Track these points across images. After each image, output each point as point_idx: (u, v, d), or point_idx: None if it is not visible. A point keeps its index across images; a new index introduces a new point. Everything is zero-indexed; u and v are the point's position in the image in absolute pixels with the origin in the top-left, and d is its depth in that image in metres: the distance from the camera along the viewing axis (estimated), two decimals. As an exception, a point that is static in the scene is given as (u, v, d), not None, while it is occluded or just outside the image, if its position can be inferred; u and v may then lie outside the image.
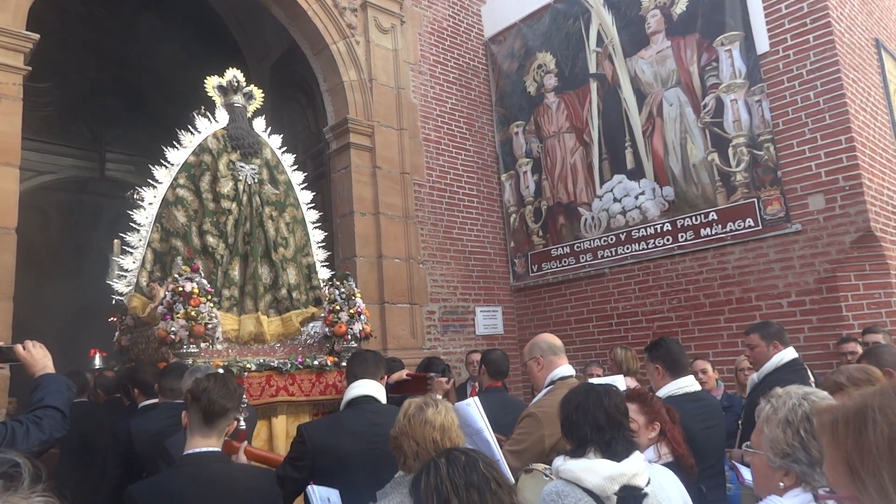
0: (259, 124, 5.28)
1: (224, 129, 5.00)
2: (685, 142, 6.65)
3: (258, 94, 5.36)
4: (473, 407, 2.50)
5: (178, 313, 4.00)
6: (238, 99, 5.18)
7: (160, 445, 2.80)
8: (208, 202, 4.78)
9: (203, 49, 8.09)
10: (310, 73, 7.21)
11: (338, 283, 5.05)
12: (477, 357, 6.37)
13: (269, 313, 4.85)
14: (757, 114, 6.14)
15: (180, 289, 4.07)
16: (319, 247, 5.52)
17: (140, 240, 4.64)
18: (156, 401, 3.51)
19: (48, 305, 7.57)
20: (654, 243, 6.83)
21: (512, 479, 2.35)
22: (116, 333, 4.64)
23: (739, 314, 6.12)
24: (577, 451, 2.04)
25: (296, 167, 5.55)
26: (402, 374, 4.24)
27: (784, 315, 5.82)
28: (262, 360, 4.50)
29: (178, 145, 4.86)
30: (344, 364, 4.45)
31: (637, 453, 2.07)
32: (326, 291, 5.04)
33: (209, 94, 5.14)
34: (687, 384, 3.09)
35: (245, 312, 4.74)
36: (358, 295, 5.05)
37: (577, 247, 7.57)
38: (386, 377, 3.82)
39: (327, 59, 6.95)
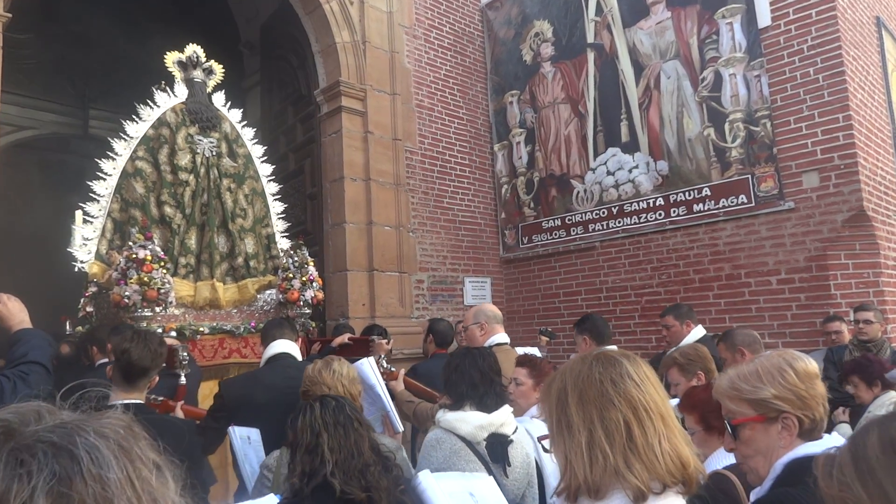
0: (218, 99, 5.56)
1: (183, 103, 5.26)
2: (682, 116, 6.58)
3: (218, 69, 5.58)
4: (367, 366, 2.84)
5: (131, 279, 4.25)
6: (198, 74, 5.42)
7: None
8: (166, 174, 5.05)
9: (191, 5, 7.83)
10: (301, 33, 7.01)
11: (291, 252, 5.32)
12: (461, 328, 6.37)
13: (225, 281, 5.15)
14: (755, 89, 6.07)
15: (134, 255, 4.32)
16: (279, 218, 5.79)
17: (100, 210, 4.86)
18: (103, 360, 3.80)
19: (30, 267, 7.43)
20: (646, 218, 6.79)
21: (400, 427, 2.79)
22: (81, 300, 4.77)
23: (729, 290, 6.13)
24: (455, 406, 2.33)
25: (256, 141, 5.81)
26: (345, 338, 4.37)
27: (773, 292, 5.84)
28: (215, 325, 4.82)
29: (137, 118, 5.11)
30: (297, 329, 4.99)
31: (506, 406, 2.36)
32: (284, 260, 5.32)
33: (170, 67, 5.36)
34: None
35: (201, 279, 5.02)
36: (311, 263, 5.28)
37: (569, 219, 7.52)
38: (319, 342, 4.56)
39: (320, 18, 6.76)
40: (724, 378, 1.60)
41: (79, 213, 4.93)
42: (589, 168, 7.36)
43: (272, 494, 1.93)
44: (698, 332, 4.15)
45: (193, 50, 5.41)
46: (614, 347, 3.27)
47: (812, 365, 1.52)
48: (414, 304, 7.06)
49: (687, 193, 6.49)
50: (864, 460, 0.82)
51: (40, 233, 7.29)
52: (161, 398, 3.09)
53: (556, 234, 7.64)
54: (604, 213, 7.17)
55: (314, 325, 5.49)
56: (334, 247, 6.57)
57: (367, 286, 6.52)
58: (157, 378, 2.61)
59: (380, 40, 7.01)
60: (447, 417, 2.29)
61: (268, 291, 5.34)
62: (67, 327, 5.04)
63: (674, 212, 6.57)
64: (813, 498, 1.07)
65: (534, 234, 7.88)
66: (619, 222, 7.02)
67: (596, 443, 1.13)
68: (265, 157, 5.82)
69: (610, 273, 7.10)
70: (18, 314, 2.41)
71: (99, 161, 5.02)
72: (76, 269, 4.78)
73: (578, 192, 7.44)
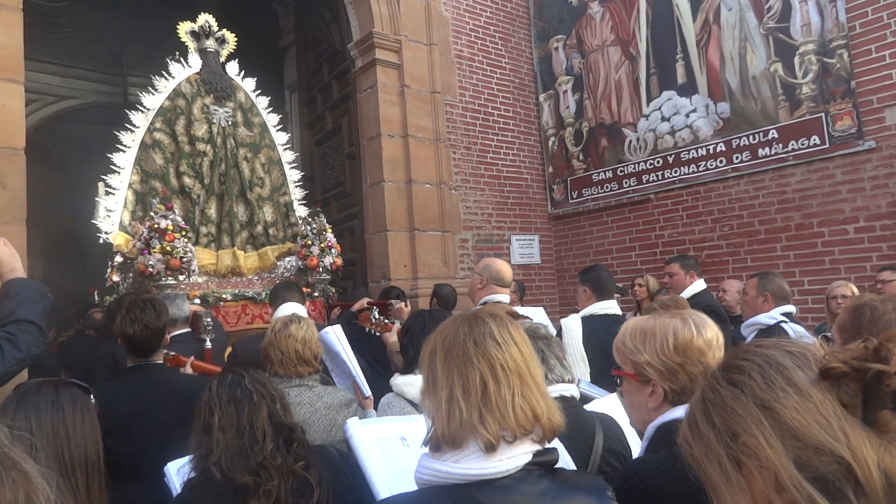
0: (232, 68, 5.61)
1: (197, 73, 5.32)
2: (745, 51, 5.98)
3: (231, 38, 5.59)
4: (332, 334, 2.83)
5: (154, 248, 4.35)
6: (210, 44, 5.46)
7: None
8: (184, 145, 5.12)
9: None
10: (333, -16, 6.70)
11: (310, 220, 5.42)
12: (512, 285, 6.12)
13: (246, 249, 5.25)
14: (830, 16, 5.42)
15: (156, 226, 4.42)
16: (297, 186, 5.86)
17: (121, 181, 4.92)
18: None
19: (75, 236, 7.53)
20: (705, 165, 6.28)
21: (367, 392, 2.76)
22: (108, 270, 4.82)
23: (798, 241, 5.62)
24: (407, 369, 2.37)
25: (270, 109, 5.83)
26: (364, 303, 4.38)
27: (849, 242, 5.31)
28: (238, 292, 4.94)
29: (153, 90, 5.17)
30: (316, 295, 5.27)
31: None
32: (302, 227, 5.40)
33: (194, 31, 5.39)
34: (609, 307, 3.42)
35: (222, 248, 5.12)
36: (329, 230, 5.39)
37: (621, 171, 7.06)
38: (339, 307, 4.78)
39: (350, -33, 6.42)
40: (623, 328, 1.63)
41: (100, 185, 4.99)
42: (642, 115, 6.85)
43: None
44: (699, 285, 4.25)
45: (206, 20, 5.42)
46: (614, 302, 3.47)
47: (703, 337, 1.49)
48: (458, 265, 6.81)
49: (751, 137, 5.93)
50: (691, 413, 0.87)
51: (83, 201, 7.35)
52: (172, 353, 3.13)
53: (607, 187, 7.20)
54: (658, 162, 6.68)
55: (334, 290, 5.56)
56: (374, 207, 6.35)
57: (408, 246, 6.30)
58: (168, 338, 2.71)
59: (414, -13, 6.62)
60: (397, 381, 2.34)
61: (287, 258, 5.40)
62: (95, 296, 5.14)
63: (736, 158, 6.04)
64: (675, 461, 1.16)
65: (583, 188, 7.46)
66: (676, 172, 6.53)
67: (455, 398, 1.20)
68: (280, 126, 5.90)
69: (666, 227, 6.65)
70: (9, 260, 2.11)
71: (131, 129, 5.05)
72: (101, 241, 4.83)
73: (631, 141, 6.96)
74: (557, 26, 7.71)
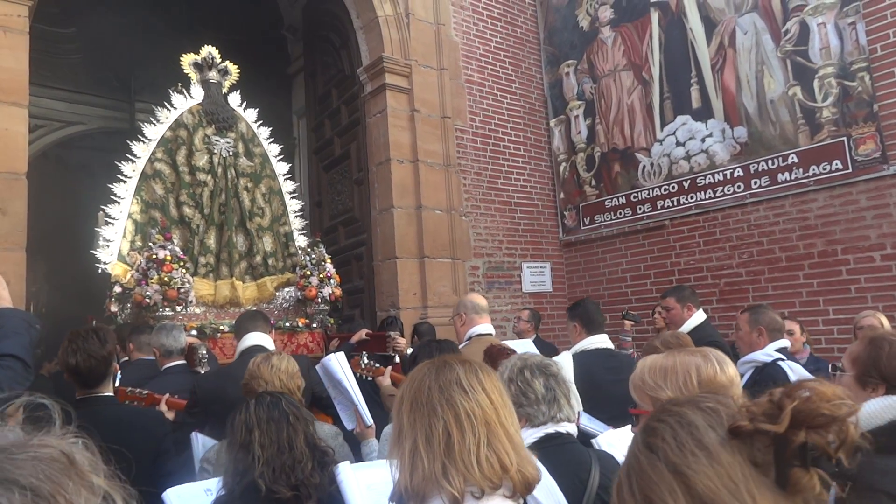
0: (234, 99, 5.66)
1: (199, 104, 5.40)
2: (762, 75, 5.87)
3: (233, 69, 5.68)
4: (335, 361, 2.82)
5: (152, 279, 4.39)
6: (213, 75, 5.57)
7: None
8: (185, 175, 5.16)
9: (232, -10, 7.60)
10: (342, 10, 6.66)
11: (309, 250, 5.44)
12: (526, 314, 5.96)
13: (244, 279, 5.25)
14: (850, 38, 5.31)
15: (154, 256, 4.46)
16: (297, 216, 5.90)
17: (121, 211, 4.94)
18: (126, 358, 3.83)
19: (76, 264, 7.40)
20: (722, 191, 6.13)
21: (369, 420, 2.71)
22: (106, 301, 4.87)
23: (822, 269, 5.42)
24: None
25: (272, 140, 5.90)
26: (362, 334, 4.39)
27: (876, 270, 5.11)
28: (235, 323, 4.88)
29: (155, 121, 5.24)
30: (315, 326, 5.28)
31: None
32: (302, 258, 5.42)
33: (188, 70, 5.48)
34: (599, 341, 3.37)
35: (221, 278, 5.12)
36: (328, 261, 5.41)
37: (635, 197, 6.91)
38: (338, 338, 4.76)
39: (360, -8, 6.38)
40: (640, 365, 1.59)
41: (100, 215, 5.01)
42: (656, 139, 6.72)
43: (215, 479, 1.93)
44: (699, 317, 4.06)
45: (209, 51, 5.54)
46: (605, 336, 3.42)
47: (727, 373, 1.48)
48: (469, 292, 6.63)
49: (770, 162, 5.78)
50: (617, 480, 0.85)
51: (89, 228, 7.25)
52: (146, 392, 3.15)
53: (620, 214, 7.05)
54: (674, 187, 6.53)
55: (332, 321, 5.56)
56: (383, 233, 6.21)
57: (418, 274, 6.14)
58: (119, 367, 2.64)
59: (424, 12, 6.58)
60: None
61: (286, 289, 5.41)
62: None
63: (755, 183, 5.88)
64: None
65: (596, 215, 7.31)
66: (692, 197, 6.37)
67: (418, 450, 1.15)
68: (281, 157, 5.95)
69: (682, 254, 6.47)
70: None
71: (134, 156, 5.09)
72: (99, 271, 4.85)
73: (644, 167, 6.82)
74: (568, 51, 7.64)
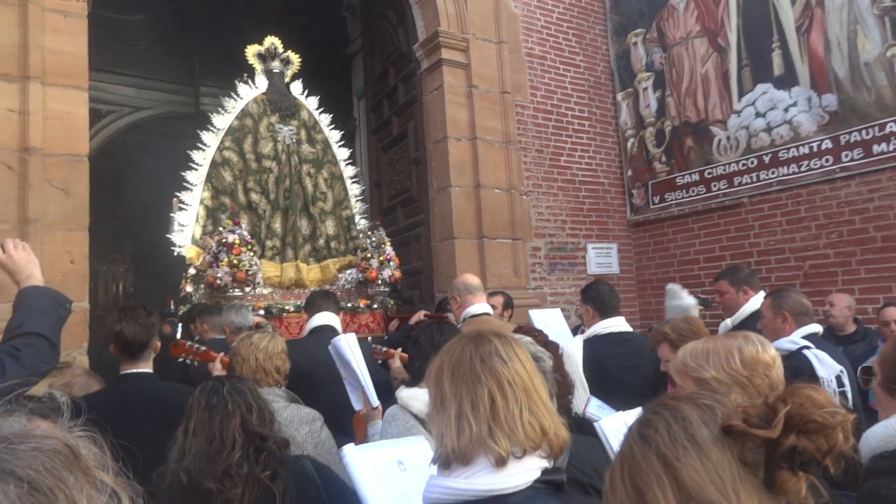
0: (296, 87, 5.86)
1: (263, 94, 5.63)
2: (854, 35, 5.31)
3: (295, 58, 5.88)
4: (344, 342, 2.81)
5: (222, 261, 4.62)
6: (276, 65, 5.79)
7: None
8: (251, 162, 5.44)
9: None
10: (400, -15, 6.49)
11: (369, 233, 5.59)
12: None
13: (308, 261, 5.48)
14: (961, -11, 4.70)
15: (224, 240, 4.70)
16: (358, 200, 6.08)
17: (193, 198, 5.22)
18: (198, 338, 3.96)
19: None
20: (808, 165, 5.62)
21: (376, 402, 2.68)
22: (182, 281, 5.14)
23: (924, 250, 4.89)
24: (413, 382, 2.34)
25: (332, 126, 6.04)
26: (421, 315, 4.40)
27: None
28: (300, 303, 4.93)
29: (221, 110, 5.50)
30: (375, 307, 5.45)
31: None
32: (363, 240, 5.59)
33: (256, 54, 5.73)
34: (613, 324, 3.27)
35: (286, 261, 5.36)
36: (387, 243, 5.55)
37: (709, 173, 6.46)
38: (397, 319, 4.93)
39: (417, -35, 6.19)
40: (681, 351, 1.63)
41: (174, 201, 5.35)
42: (733, 111, 6.24)
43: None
44: (758, 300, 3.54)
45: (271, 42, 5.78)
46: (621, 319, 3.35)
47: (767, 353, 1.51)
48: (530, 274, 6.41)
49: (864, 132, 5.25)
50: (611, 466, 0.90)
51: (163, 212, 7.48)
52: (203, 348, 3.30)
53: (693, 191, 6.62)
54: (753, 162, 6.05)
55: (392, 302, 5.71)
56: (440, 213, 6.06)
57: (476, 255, 5.96)
58: (160, 343, 2.67)
59: (482, -17, 6.31)
60: (402, 394, 2.31)
61: (348, 271, 5.60)
62: (171, 306, 5.30)
63: (846, 155, 5.35)
64: None
65: (667, 192, 6.90)
66: (773, 173, 5.88)
67: (463, 415, 1.22)
68: (342, 143, 6.07)
69: (762, 233, 6.01)
70: (26, 266, 1.94)
71: (201, 143, 5.36)
72: (175, 254, 5.16)
73: (720, 140, 6.36)
74: (636, 20, 7.20)
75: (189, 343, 3.42)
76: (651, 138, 7.04)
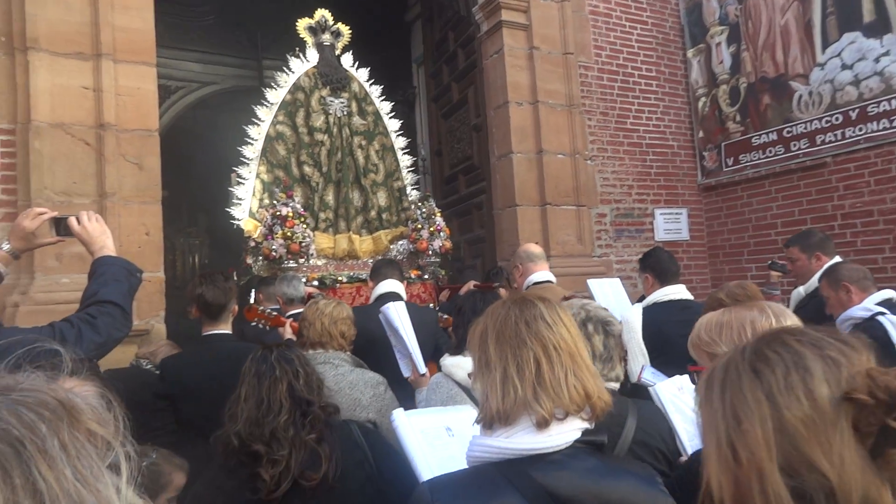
0: (347, 60, 5.91)
1: (314, 67, 5.69)
2: (959, -26, 4.81)
3: (345, 30, 5.93)
4: (393, 310, 2.92)
5: (276, 234, 4.74)
6: (326, 37, 5.83)
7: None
8: (304, 135, 5.52)
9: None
10: (458, -54, 6.33)
11: (420, 204, 5.66)
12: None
13: (361, 233, 5.57)
14: None
15: (277, 213, 4.83)
16: (409, 171, 6.11)
17: (250, 172, 5.36)
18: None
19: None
20: (900, 119, 5.19)
21: (423, 369, 2.79)
22: (242, 254, 5.30)
23: None
24: (457, 350, 2.35)
25: (384, 98, 6.06)
26: (470, 285, 4.45)
27: None
28: (352, 274, 5.25)
29: (275, 85, 5.62)
30: (426, 277, 5.50)
31: None
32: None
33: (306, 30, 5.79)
34: (673, 292, 3.25)
35: (339, 233, 5.46)
36: (438, 214, 5.61)
37: (788, 132, 6.08)
38: (448, 290, 5.09)
39: (475, -76, 6.01)
40: (697, 323, 1.60)
41: (233, 175, 5.46)
42: (816, 64, 5.82)
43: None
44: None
45: (322, 15, 5.81)
46: (681, 287, 3.31)
47: (785, 325, 1.43)
48: (595, 241, 6.26)
49: (967, 80, 4.79)
50: (710, 376, 0.90)
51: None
52: (275, 313, 3.48)
53: (770, 152, 6.25)
54: (838, 119, 5.64)
55: (443, 272, 5.77)
56: (502, 180, 5.96)
57: (539, 222, 5.85)
58: (237, 307, 2.90)
59: (544, -61, 6.07)
60: (446, 362, 2.33)
61: (400, 242, 5.68)
62: (234, 277, 5.50)
63: (945, 108, 4.91)
64: None
65: (741, 154, 6.55)
66: (861, 129, 5.47)
67: (509, 378, 1.26)
68: (392, 114, 6.11)
69: (847, 195, 5.63)
70: (100, 238, 2.02)
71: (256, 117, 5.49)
72: (234, 227, 5.31)
73: (801, 96, 5.95)
74: (709, -30, 6.78)
75: (262, 308, 3.58)
76: (724, 97, 6.67)
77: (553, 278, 3.76)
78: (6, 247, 2.04)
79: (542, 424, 1.21)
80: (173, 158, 5.65)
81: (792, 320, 1.49)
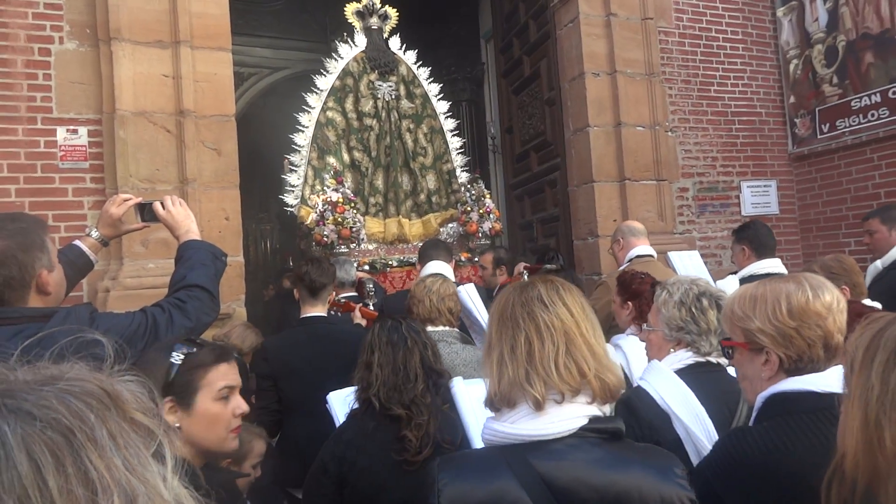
0: (394, 42, 5.90)
1: (363, 51, 5.72)
2: None
3: (393, 13, 5.91)
4: (464, 292, 3.05)
5: (328, 220, 4.85)
6: (374, 21, 5.83)
7: None
8: (353, 121, 5.57)
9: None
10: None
11: (468, 186, 5.69)
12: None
13: (410, 216, 5.63)
14: None
15: (328, 199, 4.93)
16: (458, 153, 6.09)
17: (301, 159, 5.41)
18: None
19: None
20: None
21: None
22: (297, 240, 5.53)
23: None
24: None
25: (431, 80, 6.07)
26: (520, 268, 4.45)
27: None
28: (403, 258, 5.33)
29: (324, 71, 5.66)
30: (476, 259, 5.36)
31: None
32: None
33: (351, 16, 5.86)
34: (771, 265, 3.25)
35: (389, 217, 5.52)
36: (487, 196, 5.66)
37: (894, 93, 5.56)
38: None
39: None
40: (730, 297, 1.56)
41: (285, 163, 5.53)
42: (928, 16, 5.27)
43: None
44: None
45: None
46: (777, 261, 3.36)
47: (821, 300, 1.37)
48: (677, 218, 5.96)
49: None
50: (870, 349, 0.86)
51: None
52: (345, 300, 3.65)
53: (873, 115, 5.74)
54: (954, 76, 5.11)
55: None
56: (577, 155, 5.74)
57: (617, 199, 5.61)
58: (335, 293, 3.22)
59: None
60: None
61: (450, 224, 5.70)
62: (290, 262, 5.68)
63: None
64: (782, 433, 1.31)
65: (838, 119, 6.05)
66: (982, 86, 4.93)
67: (504, 359, 1.29)
68: (441, 96, 6.12)
69: (964, 160, 5.11)
70: (184, 222, 2.04)
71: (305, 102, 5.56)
72: (288, 213, 5.46)
73: (910, 53, 5.42)
74: (802, -80, 6.25)
75: (335, 296, 3.65)
76: (820, 57, 6.17)
77: (654, 253, 3.74)
78: (95, 234, 2.07)
79: (538, 406, 1.22)
80: (245, 145, 5.75)
81: (832, 294, 1.40)
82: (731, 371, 1.88)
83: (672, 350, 1.92)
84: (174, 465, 0.55)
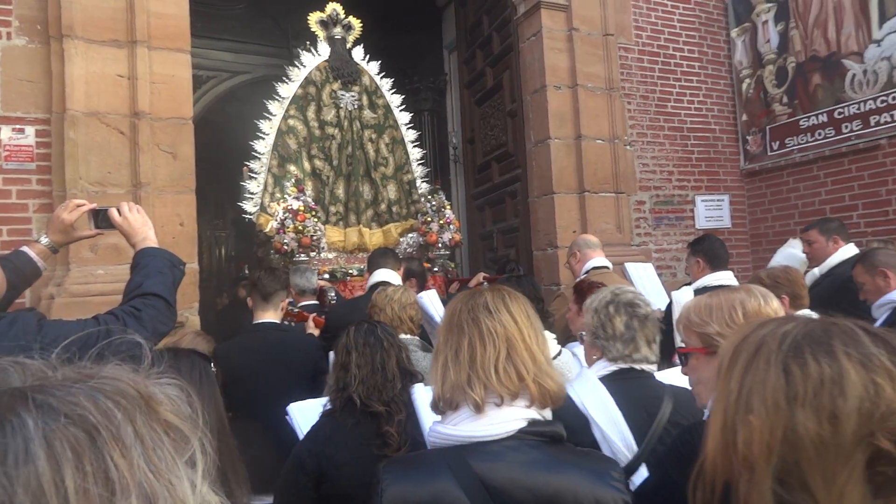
0: (357, 53, 5.91)
1: (326, 61, 5.72)
2: None
3: (356, 24, 5.92)
4: (426, 298, 3.14)
5: (288, 228, 4.80)
6: (338, 31, 5.84)
7: None
8: (315, 129, 5.57)
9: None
10: (491, -75, 6.14)
11: (429, 197, 5.70)
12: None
13: (371, 226, 5.66)
14: None
15: (289, 207, 4.88)
16: (420, 163, 6.12)
17: (261, 166, 5.39)
18: None
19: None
20: (965, 98, 4.90)
21: None
22: (254, 247, 5.50)
23: None
24: None
25: (393, 91, 6.11)
26: (480, 278, 4.49)
27: None
28: (363, 267, 5.10)
29: (287, 80, 5.64)
30: (436, 270, 5.51)
31: (547, 332, 2.30)
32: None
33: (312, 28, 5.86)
34: (724, 277, 3.34)
35: (349, 226, 5.55)
36: (447, 207, 5.67)
37: (839, 113, 5.80)
38: (457, 282, 5.16)
39: None
40: (685, 306, 1.63)
41: (244, 170, 5.55)
42: (871, 41, 5.52)
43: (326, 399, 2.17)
44: (846, 251, 3.80)
45: (333, 8, 5.83)
46: (729, 273, 3.42)
47: (770, 306, 1.50)
48: (634, 230, 6.07)
49: None
50: (736, 350, 0.88)
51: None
52: (298, 310, 3.67)
53: (819, 134, 5.98)
54: (894, 98, 5.36)
55: (453, 265, 5.91)
56: (538, 167, 5.80)
57: (577, 210, 5.68)
58: (287, 299, 3.23)
59: (582, -85, 5.85)
60: None
61: (410, 235, 5.74)
62: (245, 270, 5.67)
63: None
64: None
65: (787, 137, 6.28)
66: (920, 109, 5.18)
67: (447, 363, 1.32)
68: (403, 107, 6.18)
69: (904, 179, 5.35)
70: (141, 229, 1.97)
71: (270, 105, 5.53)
72: (246, 220, 5.42)
73: (855, 76, 5.67)
74: (755, -55, 6.49)
75: (289, 306, 3.63)
76: (771, 77, 6.40)
77: (609, 265, 3.90)
78: (45, 240, 1.98)
79: (478, 408, 1.26)
80: (202, 149, 5.63)
81: (776, 303, 1.52)
82: (660, 377, 2.03)
83: (595, 357, 2.03)
84: (205, 470, 0.54)
